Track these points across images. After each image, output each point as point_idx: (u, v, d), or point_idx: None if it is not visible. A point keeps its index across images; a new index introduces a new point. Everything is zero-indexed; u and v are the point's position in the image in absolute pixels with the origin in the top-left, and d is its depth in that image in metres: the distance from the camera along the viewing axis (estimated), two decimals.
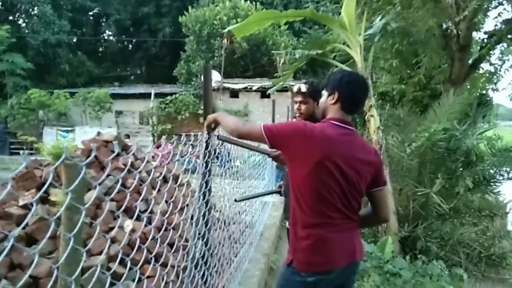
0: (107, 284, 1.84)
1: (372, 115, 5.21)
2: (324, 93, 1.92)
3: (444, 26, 7.71)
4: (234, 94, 17.07)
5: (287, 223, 3.07)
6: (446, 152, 5.15)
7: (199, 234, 2.06)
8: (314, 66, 16.09)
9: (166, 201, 3.58)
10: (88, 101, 17.08)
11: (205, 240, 2.14)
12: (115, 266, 2.20)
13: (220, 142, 2.37)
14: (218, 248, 2.71)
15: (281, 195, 3.18)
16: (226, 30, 5.49)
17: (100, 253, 2.88)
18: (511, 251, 5.42)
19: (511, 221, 5.67)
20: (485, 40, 7.91)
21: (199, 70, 17.53)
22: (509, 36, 7.54)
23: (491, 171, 5.36)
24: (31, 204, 3.11)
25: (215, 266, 2.46)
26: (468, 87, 7.60)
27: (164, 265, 2.40)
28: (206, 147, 2.11)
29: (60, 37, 22.94)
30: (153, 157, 6.29)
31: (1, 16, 23.47)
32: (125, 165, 3.70)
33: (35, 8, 23.16)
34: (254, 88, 15.90)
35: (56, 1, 23.60)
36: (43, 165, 3.75)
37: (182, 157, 3.11)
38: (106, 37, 31.45)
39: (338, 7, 13.01)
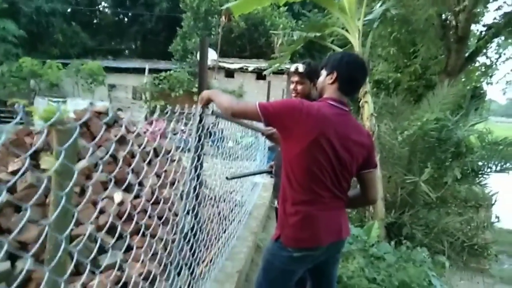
0: (94, 252, 1.85)
1: (366, 102, 5.21)
2: (323, 72, 1.92)
3: (444, 16, 7.66)
4: (230, 74, 16.92)
5: (276, 203, 3.11)
6: (437, 142, 5.19)
7: (190, 207, 2.06)
8: (311, 49, 15.99)
9: (157, 175, 3.59)
10: (81, 72, 16.83)
11: (195, 213, 2.15)
12: (102, 234, 2.21)
13: (213, 122, 2.36)
14: (207, 223, 2.73)
15: (271, 175, 3.20)
16: (224, 7, 5.42)
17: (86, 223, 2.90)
18: (493, 242, 5.55)
19: (495, 214, 5.77)
20: (483, 33, 7.90)
21: (195, 47, 17.32)
22: (507, 29, 7.52)
23: (480, 163, 5.43)
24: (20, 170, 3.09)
25: (203, 240, 2.49)
26: (463, 79, 7.60)
27: (153, 236, 2.41)
28: (200, 121, 2.09)
29: (54, 5, 22.41)
30: (144, 132, 6.26)
31: None
32: (116, 136, 3.68)
33: None
34: (250, 69, 15.77)
35: None
36: (33, 133, 3.72)
37: (174, 134, 3.09)
38: (101, 9, 30.80)
39: None
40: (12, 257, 2.52)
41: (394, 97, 6.80)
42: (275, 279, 1.88)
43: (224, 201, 3.90)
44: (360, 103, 5.34)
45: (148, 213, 2.61)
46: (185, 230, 2.07)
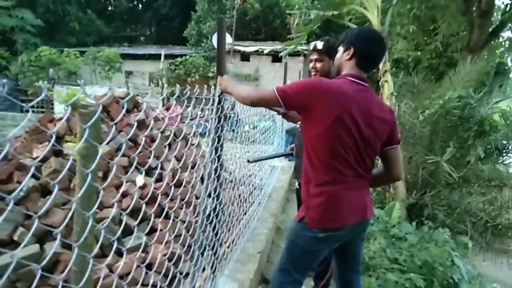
0: (118, 234, 1.88)
1: (386, 81, 5.11)
2: (340, 49, 1.89)
3: None
4: (245, 57, 16.80)
5: (297, 184, 3.10)
6: (459, 120, 5.06)
7: (211, 188, 2.08)
8: (328, 30, 15.68)
9: (177, 159, 3.62)
10: (98, 60, 16.97)
11: (216, 194, 2.17)
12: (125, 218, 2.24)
13: (230, 106, 2.34)
14: (228, 205, 2.75)
15: (289, 158, 3.19)
16: None
17: (112, 206, 2.95)
18: None
19: None
20: (508, 6, 7.58)
21: (210, 32, 17.22)
22: None
23: (504, 141, 5.28)
24: (45, 157, 3.16)
25: (225, 221, 2.51)
26: (485, 56, 7.32)
27: (175, 218, 2.45)
28: (219, 102, 2.08)
29: None
30: (162, 118, 6.30)
31: None
32: (136, 121, 3.72)
33: None
34: (265, 51, 15.62)
35: None
36: (55, 119, 3.79)
37: (192, 119, 3.09)
38: None
39: None
40: (40, 241, 2.60)
41: (414, 75, 6.62)
42: (299, 258, 1.88)
43: (244, 184, 3.92)
44: (380, 82, 5.24)
45: (170, 195, 2.64)
46: (208, 212, 2.08)
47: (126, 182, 3.14)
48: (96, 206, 1.28)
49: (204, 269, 2.19)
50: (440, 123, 5.09)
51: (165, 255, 2.26)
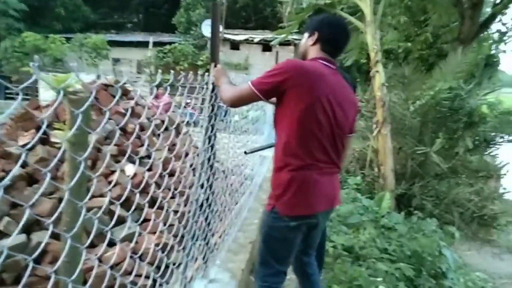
0: (112, 224, 1.84)
1: (377, 71, 5.11)
2: (305, 35, 1.90)
3: None
4: (235, 46, 16.64)
5: None
6: (449, 111, 5.11)
7: (204, 177, 2.04)
8: None
9: (168, 148, 3.56)
10: (84, 47, 16.63)
11: (209, 183, 2.13)
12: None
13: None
14: (220, 195, 2.72)
15: None
16: None
17: (101, 196, 2.90)
18: (502, 213, 5.54)
19: (504, 185, 5.73)
20: None
21: (199, 19, 16.99)
22: None
23: (492, 133, 5.35)
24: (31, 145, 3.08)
25: (217, 211, 2.48)
26: (475, 47, 7.37)
27: (167, 208, 2.41)
28: (212, 90, 2.04)
29: None
30: (152, 107, 6.20)
31: None
32: (125, 110, 3.64)
33: None
34: (255, 40, 15.50)
35: None
36: (41, 107, 3.69)
37: (180, 108, 3.03)
38: None
39: None
40: (26, 231, 2.54)
41: (405, 66, 6.64)
42: (277, 249, 1.87)
43: (234, 174, 3.88)
44: (371, 72, 5.23)
45: (162, 185, 2.60)
46: (200, 201, 2.05)
47: (116, 171, 3.08)
48: (88, 196, 1.23)
49: (196, 259, 2.17)
50: (430, 114, 5.14)
51: (157, 245, 2.23)
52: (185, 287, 1.97)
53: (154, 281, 1.84)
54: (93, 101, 1.37)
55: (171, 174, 2.96)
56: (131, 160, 3.20)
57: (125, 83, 5.29)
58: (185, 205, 2.31)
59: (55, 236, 2.01)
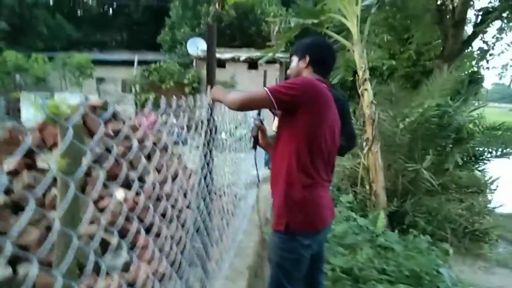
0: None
1: (366, 89, 5.13)
2: (294, 58, 1.99)
3: (440, 1, 7.58)
4: (221, 64, 16.65)
5: None
6: (438, 128, 5.15)
7: (203, 199, 1.97)
8: (303, 37, 15.80)
9: (158, 171, 3.46)
10: (68, 66, 16.39)
11: (205, 204, 2.06)
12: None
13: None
14: (215, 216, 2.63)
15: (269, 167, 3.11)
16: None
17: (91, 223, 2.77)
18: (493, 228, 5.56)
19: (496, 199, 5.78)
20: (479, 17, 7.85)
21: (184, 38, 17.01)
22: (503, 15, 7.48)
23: (480, 149, 5.41)
24: (16, 171, 2.95)
25: (213, 235, 2.39)
26: (459, 65, 7.55)
27: (157, 235, 2.30)
28: (210, 113, 1.98)
29: None
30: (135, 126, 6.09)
31: None
32: (114, 131, 3.54)
33: None
34: (241, 58, 15.54)
35: None
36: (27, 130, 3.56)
37: (170, 126, 2.95)
38: (85, 0, 30.07)
39: None
40: (12, 263, 2.40)
41: (391, 83, 6.72)
42: (292, 271, 1.88)
43: (226, 195, 3.80)
44: (360, 90, 5.25)
45: (155, 209, 2.49)
46: (197, 225, 1.97)
47: (105, 196, 2.97)
48: (85, 224, 1.14)
49: None
50: (419, 131, 5.17)
51: (153, 273, 2.12)
52: None
53: None
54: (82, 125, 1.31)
55: (165, 198, 2.86)
56: (121, 184, 3.10)
57: (107, 103, 5.17)
58: (181, 229, 2.22)
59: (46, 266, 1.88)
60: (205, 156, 1.95)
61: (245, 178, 4.73)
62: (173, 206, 2.45)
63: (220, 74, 16.32)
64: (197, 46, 15.75)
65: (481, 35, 8.15)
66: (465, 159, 5.27)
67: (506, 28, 7.83)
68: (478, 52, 8.64)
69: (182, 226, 2.22)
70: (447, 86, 5.48)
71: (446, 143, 5.23)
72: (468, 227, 5.12)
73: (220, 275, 2.51)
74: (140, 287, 2.05)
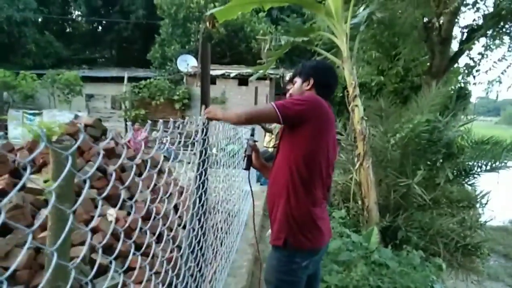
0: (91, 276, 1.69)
1: (356, 105, 5.17)
2: (298, 80, 2.03)
3: (426, 19, 7.75)
4: (211, 80, 16.70)
5: None
6: (428, 143, 5.19)
7: (197, 218, 1.94)
8: (291, 55, 16.01)
9: (152, 189, 3.42)
10: (57, 83, 16.31)
11: (200, 225, 2.03)
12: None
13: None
14: (209, 235, 2.59)
15: (263, 181, 3.09)
16: (208, 13, 5.30)
17: (81, 244, 2.71)
18: (485, 241, 5.57)
19: (486, 212, 5.81)
20: (465, 34, 8.05)
21: (174, 55, 17.09)
22: (488, 32, 7.68)
23: (470, 163, 5.45)
24: (4, 191, 2.88)
25: (206, 255, 2.35)
26: (447, 80, 7.70)
27: (152, 255, 2.25)
28: (205, 134, 1.97)
29: (26, 14, 21.78)
30: (128, 142, 6.04)
31: None
32: (106, 150, 3.50)
33: None
34: (232, 75, 15.64)
35: None
36: (15, 149, 3.50)
37: (162, 143, 2.92)
38: (75, 18, 30.12)
39: None
40: None
41: (380, 99, 6.79)
42: None
43: (219, 212, 3.75)
44: (350, 106, 5.29)
45: (147, 229, 2.45)
46: (192, 245, 1.94)
47: (95, 216, 2.91)
48: (85, 251, 1.11)
49: None
50: (410, 146, 5.19)
51: None
52: None
53: None
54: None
55: (157, 216, 2.82)
56: (112, 204, 3.05)
57: (99, 120, 5.12)
58: (175, 250, 2.17)
59: None
60: (200, 176, 1.92)
61: (237, 194, 4.70)
62: (164, 225, 2.41)
63: (211, 91, 16.35)
64: (187, 63, 15.84)
65: (467, 51, 8.34)
66: (455, 174, 5.30)
67: (491, 46, 8.06)
68: (465, 68, 8.85)
69: (178, 247, 2.18)
70: (436, 101, 5.55)
71: (437, 158, 5.26)
72: (460, 242, 5.12)
73: None
74: None
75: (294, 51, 14.56)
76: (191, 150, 2.04)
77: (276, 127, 5.82)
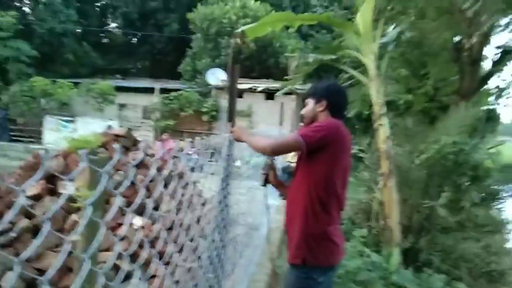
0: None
1: (381, 124, 5.17)
2: (310, 101, 2.07)
3: (456, 39, 7.67)
4: (239, 94, 16.98)
5: None
6: (454, 165, 5.11)
7: (218, 231, 2.03)
8: (319, 70, 16.03)
9: (179, 200, 3.54)
10: (91, 92, 17.00)
11: (221, 237, 2.12)
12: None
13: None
14: (228, 248, 2.67)
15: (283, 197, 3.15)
16: (239, 30, 5.47)
17: (107, 250, 2.85)
18: (510, 269, 5.39)
19: (509, 239, 5.64)
20: (499, 55, 7.90)
21: (204, 68, 17.48)
22: None
23: (496, 187, 5.33)
24: (39, 196, 3.07)
25: (223, 266, 2.43)
26: (476, 101, 7.56)
27: (173, 264, 2.35)
28: (230, 153, 2.08)
29: (66, 26, 22.86)
30: (153, 154, 6.23)
31: (7, 3, 23.37)
32: (134, 160, 3.66)
33: None
34: (259, 89, 15.84)
35: None
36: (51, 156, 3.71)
37: (189, 154, 3.04)
38: (112, 30, 31.36)
39: (347, 12, 12.99)
40: (29, 287, 2.47)
41: (407, 118, 6.75)
42: None
43: (240, 225, 3.83)
44: (375, 125, 5.29)
45: (171, 238, 2.55)
46: (215, 256, 2.03)
47: (122, 223, 3.05)
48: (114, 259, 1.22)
49: None
50: (435, 168, 5.13)
51: None
52: None
53: None
54: (101, 150, 1.40)
55: (181, 226, 2.93)
56: (137, 213, 3.18)
57: (130, 129, 5.32)
58: (196, 260, 2.27)
59: None
60: (223, 189, 2.02)
61: (259, 208, 4.76)
62: (186, 235, 2.51)
63: (238, 104, 16.58)
64: (216, 77, 16.18)
65: (498, 73, 8.17)
66: (482, 197, 5.20)
67: None
68: (496, 89, 8.66)
69: (198, 257, 2.28)
70: (464, 123, 5.48)
71: (463, 180, 5.18)
72: (484, 267, 4.98)
73: None
74: None
75: (322, 67, 14.63)
76: (216, 161, 2.15)
77: None
